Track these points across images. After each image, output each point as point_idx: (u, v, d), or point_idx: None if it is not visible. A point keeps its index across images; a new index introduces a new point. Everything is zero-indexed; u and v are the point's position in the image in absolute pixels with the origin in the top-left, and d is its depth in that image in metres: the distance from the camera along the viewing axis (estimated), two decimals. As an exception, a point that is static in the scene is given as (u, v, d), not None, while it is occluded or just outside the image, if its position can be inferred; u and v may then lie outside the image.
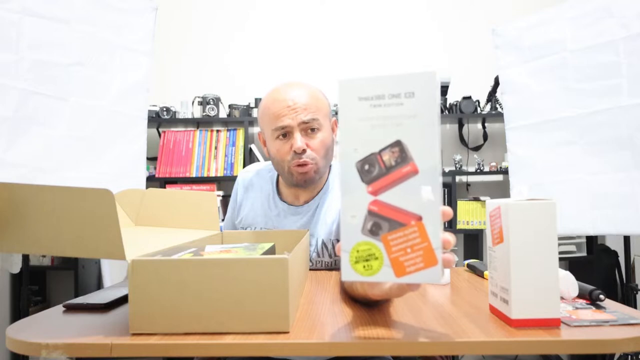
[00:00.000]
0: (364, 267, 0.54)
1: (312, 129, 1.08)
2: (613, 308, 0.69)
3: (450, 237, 0.54)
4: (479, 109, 2.59)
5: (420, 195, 0.53)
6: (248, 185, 1.27)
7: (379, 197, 0.54)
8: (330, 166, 1.23)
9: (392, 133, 0.54)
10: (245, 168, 1.34)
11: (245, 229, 1.21)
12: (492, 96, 2.59)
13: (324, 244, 1.14)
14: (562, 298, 0.73)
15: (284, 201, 1.21)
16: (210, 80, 2.85)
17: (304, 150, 1.07)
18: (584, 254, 2.50)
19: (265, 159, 2.57)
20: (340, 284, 0.88)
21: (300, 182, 1.11)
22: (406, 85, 0.53)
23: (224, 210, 2.61)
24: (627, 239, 2.06)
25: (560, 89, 1.88)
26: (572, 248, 2.51)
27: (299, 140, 1.06)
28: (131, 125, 1.91)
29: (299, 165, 1.08)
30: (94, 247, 0.60)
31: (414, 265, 0.53)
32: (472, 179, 2.78)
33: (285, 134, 1.08)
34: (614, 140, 1.74)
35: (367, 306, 0.73)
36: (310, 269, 1.13)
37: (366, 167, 0.55)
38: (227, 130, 2.66)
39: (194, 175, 2.58)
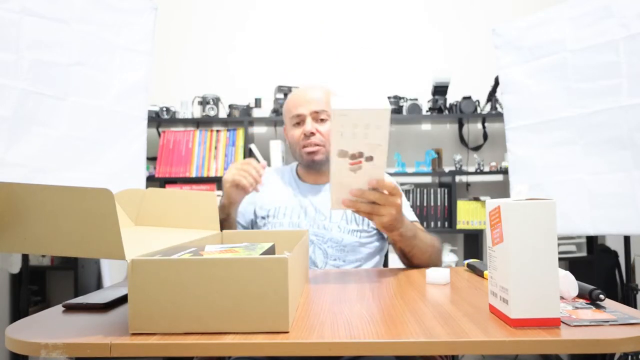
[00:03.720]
0: None
1: (322, 119, 1.27)
2: (613, 308, 0.69)
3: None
4: (479, 109, 2.59)
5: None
6: (266, 179, 1.39)
7: None
8: None
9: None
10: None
11: (268, 216, 1.29)
12: (492, 96, 2.59)
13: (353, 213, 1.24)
14: (562, 298, 0.73)
15: (305, 182, 1.34)
16: (210, 80, 2.85)
17: (312, 133, 1.25)
18: (584, 254, 2.50)
19: (265, 159, 2.57)
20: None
21: (309, 162, 1.28)
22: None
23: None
24: (627, 239, 2.05)
25: (560, 89, 1.87)
26: (572, 248, 2.50)
27: (308, 124, 1.26)
28: (131, 125, 1.91)
29: (308, 147, 1.26)
30: (94, 247, 0.60)
31: None
32: (472, 179, 2.78)
33: (300, 122, 1.28)
34: (614, 140, 1.74)
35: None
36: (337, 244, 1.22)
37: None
38: (227, 130, 2.65)
39: (193, 175, 2.58)
